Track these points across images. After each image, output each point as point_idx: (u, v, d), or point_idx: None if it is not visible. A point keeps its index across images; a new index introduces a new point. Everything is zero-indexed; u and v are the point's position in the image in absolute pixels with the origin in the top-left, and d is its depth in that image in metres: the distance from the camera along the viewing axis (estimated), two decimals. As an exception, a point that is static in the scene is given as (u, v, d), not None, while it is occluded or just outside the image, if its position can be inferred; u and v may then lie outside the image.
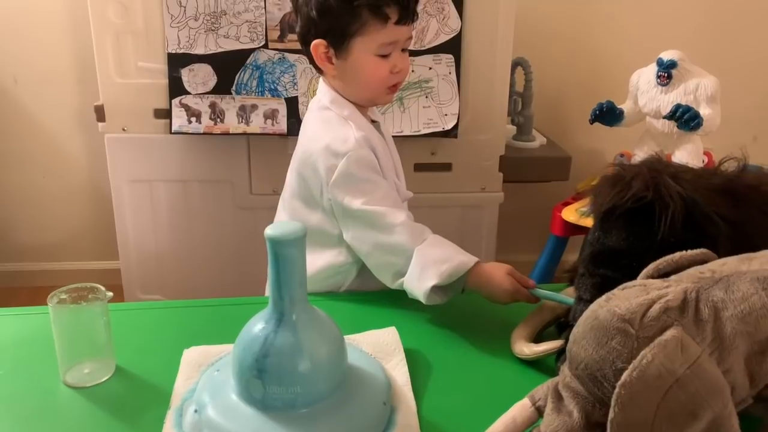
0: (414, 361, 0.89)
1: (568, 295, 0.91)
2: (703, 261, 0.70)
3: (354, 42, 1.01)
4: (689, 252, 0.70)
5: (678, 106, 1.68)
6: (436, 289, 0.95)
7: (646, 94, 1.82)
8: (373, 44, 1.01)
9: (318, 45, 1.02)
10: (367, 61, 1.02)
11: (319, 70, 1.07)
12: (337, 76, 1.06)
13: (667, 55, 1.76)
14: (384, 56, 1.02)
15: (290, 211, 1.13)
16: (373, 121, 1.13)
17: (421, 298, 0.96)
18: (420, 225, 1.02)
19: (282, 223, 0.74)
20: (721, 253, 0.71)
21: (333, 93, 1.07)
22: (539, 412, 0.68)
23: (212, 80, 1.72)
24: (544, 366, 0.87)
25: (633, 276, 0.71)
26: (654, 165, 0.81)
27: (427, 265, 0.96)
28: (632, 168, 0.81)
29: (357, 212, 1.01)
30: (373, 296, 1.07)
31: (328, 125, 1.06)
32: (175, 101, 1.73)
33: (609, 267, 0.80)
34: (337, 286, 1.12)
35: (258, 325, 0.75)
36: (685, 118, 1.66)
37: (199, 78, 1.72)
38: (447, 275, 0.94)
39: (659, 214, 0.76)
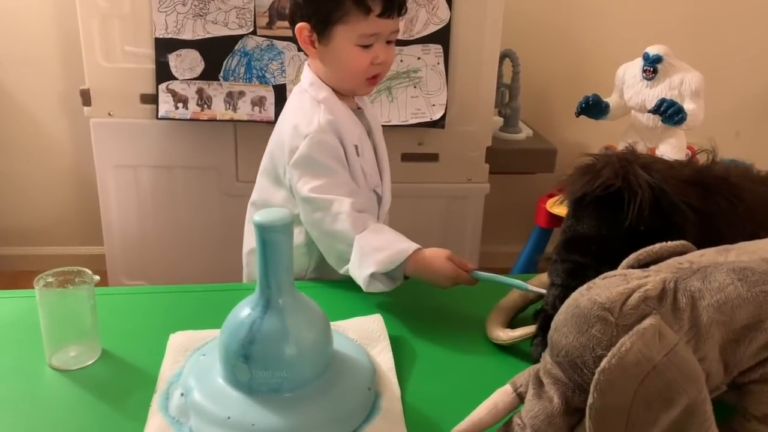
0: (398, 347, 0.90)
1: (541, 281, 0.93)
2: (682, 252, 0.72)
3: (336, 29, 1.02)
4: (669, 243, 0.72)
5: (663, 101, 1.70)
6: (378, 276, 0.96)
7: (631, 88, 1.84)
8: (354, 34, 1.01)
9: (302, 28, 1.04)
10: (348, 50, 1.03)
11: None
12: (318, 60, 1.07)
13: (653, 50, 1.78)
14: (365, 47, 1.03)
15: (259, 188, 1.15)
16: (359, 108, 1.14)
17: (362, 286, 0.97)
18: (364, 214, 1.03)
19: (270, 210, 0.74)
20: (689, 240, 0.73)
21: (313, 76, 1.09)
22: (520, 398, 0.69)
23: (200, 66, 1.72)
24: (525, 353, 0.89)
25: (603, 261, 0.73)
26: (626, 155, 0.83)
27: (367, 253, 0.97)
28: (604, 157, 0.83)
29: (306, 198, 1.02)
30: (358, 285, 1.08)
31: (300, 107, 1.08)
32: (162, 86, 1.73)
33: (579, 253, 0.82)
34: (302, 269, 1.13)
35: (244, 311, 0.75)
36: (670, 113, 1.68)
37: (186, 63, 1.71)
38: (385, 263, 0.96)
39: (628, 202, 0.78)
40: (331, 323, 0.81)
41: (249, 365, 0.73)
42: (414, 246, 0.97)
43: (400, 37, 1.72)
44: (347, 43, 1.02)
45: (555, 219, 1.91)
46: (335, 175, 1.03)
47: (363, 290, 0.96)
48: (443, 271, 0.96)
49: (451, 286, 0.97)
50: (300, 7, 1.03)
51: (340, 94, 1.09)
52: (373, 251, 0.96)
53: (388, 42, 1.06)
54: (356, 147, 1.08)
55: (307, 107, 1.06)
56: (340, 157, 1.05)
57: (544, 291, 0.89)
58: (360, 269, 0.97)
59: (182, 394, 0.76)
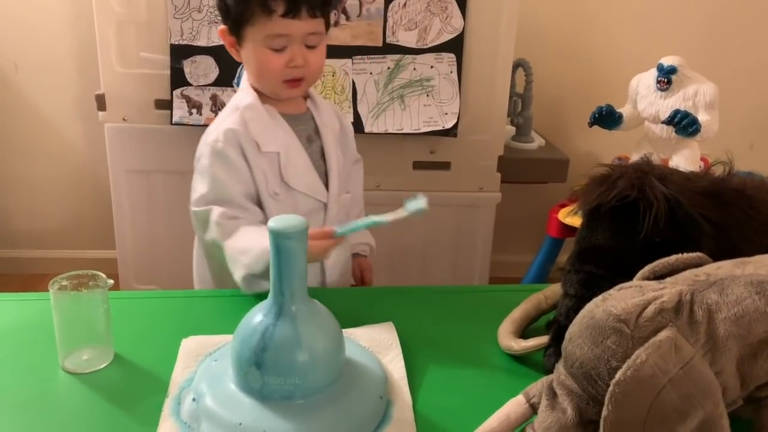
0: (410, 355, 0.90)
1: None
2: (698, 264, 0.71)
3: (246, 31, 1.02)
4: (685, 255, 0.71)
5: (677, 112, 1.70)
6: (256, 275, 0.97)
7: (645, 99, 1.84)
8: (261, 35, 1.01)
9: (222, 31, 1.06)
10: (259, 52, 1.03)
11: None
12: (243, 64, 1.08)
13: (667, 61, 1.78)
14: (278, 49, 1.02)
15: None
16: (308, 110, 1.12)
17: (241, 289, 1.00)
18: (235, 220, 1.02)
19: (285, 216, 0.75)
20: (705, 252, 0.73)
21: (245, 81, 1.10)
22: (533, 408, 0.69)
23: (214, 72, 1.73)
24: (538, 363, 0.88)
25: (617, 272, 0.72)
26: (641, 166, 0.82)
27: (234, 258, 0.99)
28: (619, 168, 0.83)
29: (192, 211, 1.07)
30: (370, 291, 1.08)
31: (221, 113, 1.10)
32: (177, 92, 1.74)
33: (594, 263, 0.81)
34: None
35: (257, 318, 0.75)
36: (684, 124, 1.68)
37: (200, 70, 1.72)
38: (251, 265, 0.97)
39: (643, 213, 0.77)
40: (343, 330, 0.81)
41: (261, 372, 0.73)
42: None
43: (414, 45, 1.73)
44: (257, 45, 1.02)
45: (567, 229, 1.90)
46: (222, 185, 1.04)
47: (375, 299, 0.96)
48: (309, 251, 0.95)
49: (327, 255, 0.97)
50: (219, 10, 1.05)
51: (272, 99, 1.08)
52: (239, 254, 0.99)
53: (311, 46, 1.03)
54: (278, 154, 1.06)
55: (224, 114, 1.08)
56: (235, 167, 1.04)
57: (401, 214, 0.86)
58: (234, 274, 1.00)
59: (194, 400, 0.76)
